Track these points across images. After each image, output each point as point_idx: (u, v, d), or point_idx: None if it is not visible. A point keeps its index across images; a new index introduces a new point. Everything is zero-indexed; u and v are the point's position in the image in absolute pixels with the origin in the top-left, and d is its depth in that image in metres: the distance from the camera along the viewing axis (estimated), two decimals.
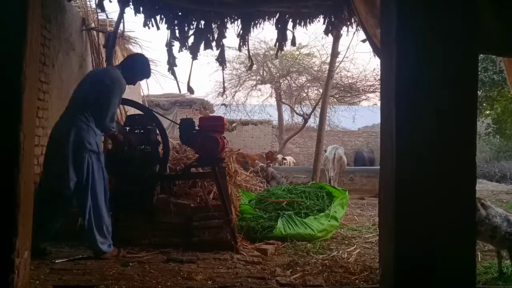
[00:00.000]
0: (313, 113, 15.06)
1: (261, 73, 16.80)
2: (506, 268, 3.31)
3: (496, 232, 3.13)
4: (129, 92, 8.25)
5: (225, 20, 5.13)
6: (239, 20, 5.17)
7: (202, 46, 5.20)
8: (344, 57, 12.02)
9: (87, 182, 3.44)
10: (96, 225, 3.45)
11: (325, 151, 9.43)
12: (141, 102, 7.76)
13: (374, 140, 18.35)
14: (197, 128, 4.15)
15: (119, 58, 7.26)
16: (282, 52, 8.74)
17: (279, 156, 13.61)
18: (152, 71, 4.50)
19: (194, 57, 5.32)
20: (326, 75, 10.85)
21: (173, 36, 5.15)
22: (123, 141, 3.94)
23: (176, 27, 5.09)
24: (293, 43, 5.34)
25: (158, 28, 4.97)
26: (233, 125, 18.40)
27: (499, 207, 3.34)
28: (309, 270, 3.36)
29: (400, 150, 2.02)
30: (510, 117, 12.61)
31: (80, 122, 3.44)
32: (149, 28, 4.91)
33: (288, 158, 14.68)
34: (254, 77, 17.17)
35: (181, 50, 5.27)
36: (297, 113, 17.17)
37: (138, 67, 3.93)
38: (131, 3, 4.84)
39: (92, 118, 3.50)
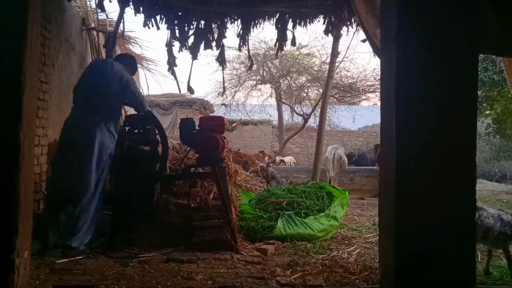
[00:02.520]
0: (313, 113, 15.05)
1: (261, 73, 16.79)
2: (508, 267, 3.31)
3: (488, 233, 3.14)
4: None
5: (225, 20, 5.13)
6: (239, 20, 5.17)
7: (202, 46, 5.20)
8: (344, 57, 12.04)
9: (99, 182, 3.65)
10: (79, 221, 3.53)
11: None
12: None
13: (374, 140, 18.31)
14: (197, 128, 4.15)
15: None
16: (282, 52, 8.73)
17: (278, 158, 13.62)
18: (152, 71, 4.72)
19: (194, 57, 5.31)
20: (326, 75, 10.85)
21: (173, 36, 5.14)
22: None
23: (176, 27, 5.09)
24: (293, 43, 5.33)
25: (158, 28, 4.97)
26: (233, 125, 18.39)
27: (491, 207, 3.35)
28: (309, 270, 3.36)
29: (400, 150, 2.02)
30: (510, 117, 12.62)
31: (104, 127, 3.65)
32: (149, 28, 4.90)
33: (288, 158, 14.67)
34: (254, 77, 17.16)
35: (181, 50, 5.27)
36: (297, 113, 17.16)
37: (134, 67, 4.27)
38: (131, 3, 4.83)
39: (111, 122, 3.71)
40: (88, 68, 3.97)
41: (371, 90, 15.64)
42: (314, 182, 7.56)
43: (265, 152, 12.99)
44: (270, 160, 11.25)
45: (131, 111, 5.47)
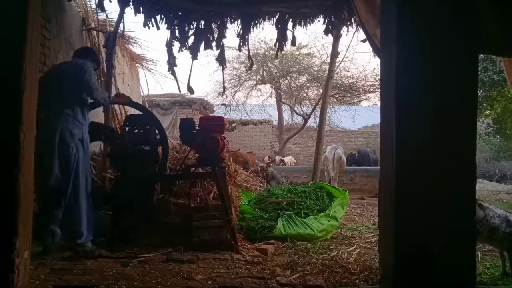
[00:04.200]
0: (313, 113, 15.06)
1: (261, 73, 16.80)
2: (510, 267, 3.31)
3: (493, 233, 3.13)
4: (129, 92, 8.27)
5: (225, 20, 5.13)
6: (239, 20, 5.17)
7: (202, 46, 5.20)
8: (344, 57, 12.03)
9: (73, 172, 3.54)
10: (76, 217, 3.51)
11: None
12: (140, 102, 7.77)
13: (374, 140, 18.35)
14: (197, 128, 4.15)
15: (119, 58, 7.27)
16: (282, 52, 8.73)
17: (277, 158, 13.61)
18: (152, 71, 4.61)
19: (194, 57, 5.32)
20: (326, 75, 10.85)
21: (173, 36, 5.14)
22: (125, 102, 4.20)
23: (176, 27, 5.09)
24: (293, 43, 5.34)
25: (158, 28, 4.97)
26: (233, 125, 18.39)
27: (498, 208, 3.33)
28: (309, 270, 3.36)
29: (400, 150, 2.02)
30: (510, 117, 12.62)
31: (66, 116, 3.56)
32: (149, 28, 4.91)
33: (288, 158, 14.67)
34: (254, 77, 17.17)
35: (181, 50, 5.27)
36: (297, 113, 17.17)
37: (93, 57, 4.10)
38: (131, 3, 4.83)
39: (77, 109, 3.63)
40: (45, 76, 3.85)
41: (371, 90, 15.65)
42: (314, 182, 7.56)
43: (254, 153, 12.94)
44: (270, 160, 11.24)
45: (131, 111, 5.48)
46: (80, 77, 3.68)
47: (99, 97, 3.82)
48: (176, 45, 5.23)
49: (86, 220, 3.56)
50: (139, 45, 7.83)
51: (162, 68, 22.78)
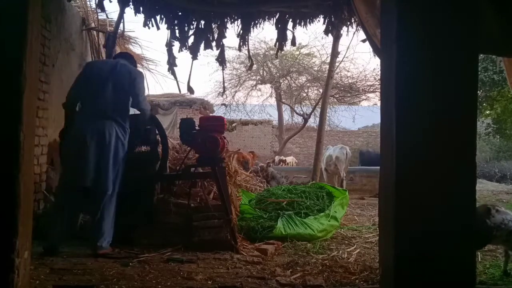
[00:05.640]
0: (313, 113, 15.06)
1: (261, 73, 16.80)
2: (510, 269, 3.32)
3: (510, 235, 3.15)
4: None
5: (225, 20, 5.14)
6: (239, 20, 5.17)
7: (202, 46, 5.20)
8: (344, 57, 12.05)
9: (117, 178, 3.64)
10: (106, 221, 3.58)
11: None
12: None
13: (374, 140, 18.34)
14: (197, 128, 4.15)
15: None
16: (282, 52, 8.74)
17: (277, 158, 13.60)
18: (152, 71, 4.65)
19: (194, 57, 5.32)
20: (326, 75, 10.86)
21: (173, 36, 5.15)
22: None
23: (176, 27, 5.10)
24: (293, 43, 5.34)
25: (158, 28, 4.98)
26: (233, 125, 18.37)
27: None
28: (309, 270, 3.36)
29: (400, 150, 2.02)
30: (510, 117, 12.63)
31: (119, 124, 3.64)
32: (149, 28, 4.91)
33: (289, 158, 14.66)
34: (254, 77, 17.17)
35: (181, 50, 5.27)
36: (297, 113, 17.17)
37: (134, 65, 4.12)
38: (131, 3, 4.84)
39: (125, 116, 3.71)
40: (88, 70, 3.81)
41: (371, 90, 15.65)
42: (314, 182, 7.57)
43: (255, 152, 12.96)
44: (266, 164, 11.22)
45: (130, 110, 5.48)
46: (138, 85, 3.73)
47: (147, 108, 3.89)
48: (176, 45, 5.24)
49: (110, 228, 3.63)
50: (139, 45, 7.87)
51: (162, 68, 22.73)
